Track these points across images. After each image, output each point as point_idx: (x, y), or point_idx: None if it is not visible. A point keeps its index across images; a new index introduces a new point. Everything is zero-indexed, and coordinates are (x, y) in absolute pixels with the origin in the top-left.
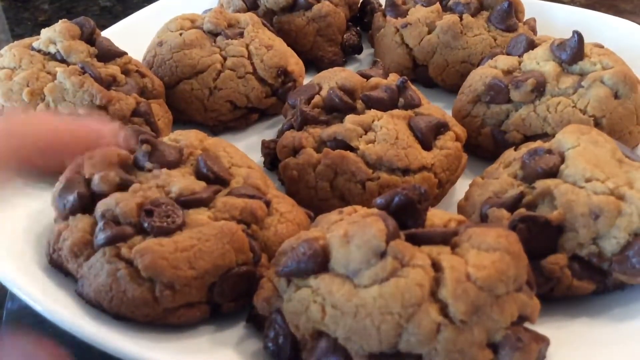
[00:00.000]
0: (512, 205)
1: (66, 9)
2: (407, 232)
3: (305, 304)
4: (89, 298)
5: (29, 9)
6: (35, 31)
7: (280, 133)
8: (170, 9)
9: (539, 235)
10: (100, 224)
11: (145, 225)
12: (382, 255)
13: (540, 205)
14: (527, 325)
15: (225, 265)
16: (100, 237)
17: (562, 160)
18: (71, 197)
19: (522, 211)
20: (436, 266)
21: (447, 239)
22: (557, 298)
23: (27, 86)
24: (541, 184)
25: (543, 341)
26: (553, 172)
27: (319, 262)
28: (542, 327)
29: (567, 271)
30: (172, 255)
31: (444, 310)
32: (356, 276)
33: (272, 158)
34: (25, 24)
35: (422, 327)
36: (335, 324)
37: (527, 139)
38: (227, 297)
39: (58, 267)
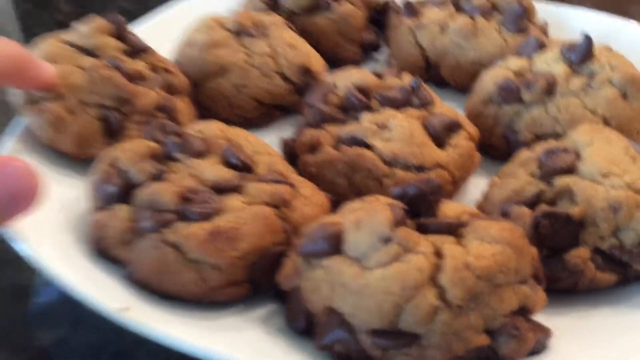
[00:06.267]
0: (533, 202)
1: (82, 6)
2: (416, 220)
3: (318, 282)
4: (138, 279)
5: (47, 8)
6: (55, 31)
7: (299, 130)
8: (191, 11)
9: (562, 230)
10: (145, 212)
11: (186, 212)
12: (387, 241)
13: (559, 202)
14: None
15: (263, 246)
16: (146, 224)
17: (578, 158)
18: (111, 188)
19: (544, 207)
20: (439, 254)
21: (454, 229)
22: (580, 291)
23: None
24: (559, 182)
25: (542, 331)
26: (570, 170)
27: (333, 244)
28: (562, 318)
29: (591, 264)
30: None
31: (442, 295)
32: (364, 259)
33: (291, 155)
34: (44, 25)
35: (420, 309)
36: (343, 301)
37: (538, 138)
38: (266, 275)
39: (104, 255)
